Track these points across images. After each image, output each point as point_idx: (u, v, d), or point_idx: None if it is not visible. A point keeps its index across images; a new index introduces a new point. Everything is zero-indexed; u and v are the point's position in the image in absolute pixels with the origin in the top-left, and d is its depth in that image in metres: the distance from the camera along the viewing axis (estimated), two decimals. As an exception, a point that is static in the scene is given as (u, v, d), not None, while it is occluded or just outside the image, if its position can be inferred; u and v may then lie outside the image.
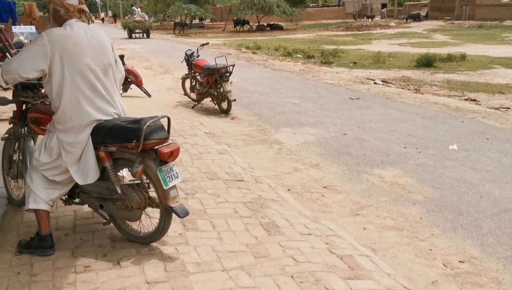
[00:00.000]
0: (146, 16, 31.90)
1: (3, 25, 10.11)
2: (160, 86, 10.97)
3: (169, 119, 3.06)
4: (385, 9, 54.48)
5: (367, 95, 9.95)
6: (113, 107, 3.07)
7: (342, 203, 4.48)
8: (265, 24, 39.13)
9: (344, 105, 8.86)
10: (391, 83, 11.62)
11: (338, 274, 2.96)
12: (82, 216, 3.63)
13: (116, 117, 3.08)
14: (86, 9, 3.09)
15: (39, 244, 3.03)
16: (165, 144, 2.98)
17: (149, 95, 9.30)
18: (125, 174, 3.28)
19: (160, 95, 9.78)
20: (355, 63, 15.74)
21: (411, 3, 51.94)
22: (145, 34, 29.97)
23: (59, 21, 2.99)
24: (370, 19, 44.88)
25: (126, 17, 35.81)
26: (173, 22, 40.61)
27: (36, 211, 3.04)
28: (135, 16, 30.35)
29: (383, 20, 46.85)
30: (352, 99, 9.41)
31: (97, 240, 3.25)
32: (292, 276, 2.87)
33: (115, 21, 62.60)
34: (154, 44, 24.18)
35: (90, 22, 3.19)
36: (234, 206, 3.93)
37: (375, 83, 11.62)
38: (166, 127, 3.02)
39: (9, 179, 3.88)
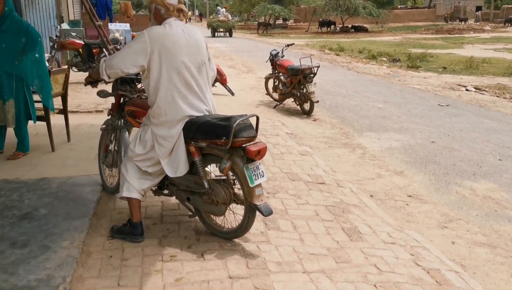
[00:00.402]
0: (230, 16, 32.74)
1: (101, 22, 10.84)
2: (243, 85, 11.15)
3: (257, 118, 3.10)
4: (479, 12, 51.26)
5: (458, 102, 9.42)
6: (204, 104, 3.16)
7: (428, 213, 4.28)
8: (349, 26, 38.37)
9: (432, 111, 8.45)
10: (484, 90, 10.90)
11: (425, 288, 2.82)
12: (169, 207, 3.78)
13: (207, 114, 3.17)
14: (185, 8, 3.21)
15: (130, 230, 3.20)
16: (253, 142, 3.01)
17: (232, 94, 9.48)
18: (212, 169, 3.36)
19: (243, 94, 9.94)
20: (444, 68, 14.97)
21: (509, 6, 48.42)
22: (227, 33, 30.74)
23: (159, 19, 3.13)
24: (462, 22, 42.45)
25: (211, 17, 36.91)
26: (256, 22, 41.13)
27: (128, 199, 3.20)
28: (219, 15, 31.30)
29: (477, 23, 44.11)
30: (441, 105, 8.95)
31: (182, 231, 3.36)
32: (375, 285, 2.79)
33: (200, 20, 64.79)
34: (237, 43, 24.66)
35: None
36: (315, 209, 3.89)
37: (467, 90, 10.96)
38: (254, 126, 3.05)
39: (104, 167, 4.12)
